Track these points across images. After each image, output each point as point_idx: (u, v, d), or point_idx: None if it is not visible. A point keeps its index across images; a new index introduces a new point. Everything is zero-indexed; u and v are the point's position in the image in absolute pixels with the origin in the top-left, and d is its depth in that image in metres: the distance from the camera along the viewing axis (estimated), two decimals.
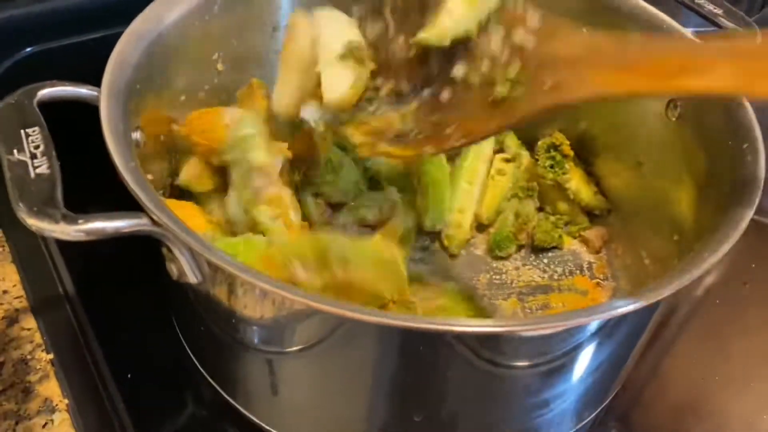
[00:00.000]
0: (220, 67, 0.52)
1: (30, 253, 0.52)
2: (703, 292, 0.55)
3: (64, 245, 0.51)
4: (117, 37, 0.70)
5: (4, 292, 0.50)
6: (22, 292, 0.50)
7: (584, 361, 0.38)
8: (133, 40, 0.43)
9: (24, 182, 0.32)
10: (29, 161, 0.33)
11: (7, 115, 0.35)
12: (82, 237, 0.32)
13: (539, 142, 0.58)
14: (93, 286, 0.50)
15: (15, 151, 0.33)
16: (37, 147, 0.34)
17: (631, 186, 0.55)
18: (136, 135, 0.42)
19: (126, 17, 0.45)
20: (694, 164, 0.46)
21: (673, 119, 0.48)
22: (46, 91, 0.37)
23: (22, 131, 0.34)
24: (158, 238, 0.34)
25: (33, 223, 0.31)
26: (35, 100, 0.37)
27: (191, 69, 0.49)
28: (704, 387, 0.49)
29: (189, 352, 0.46)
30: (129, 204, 0.35)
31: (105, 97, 0.38)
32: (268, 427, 0.43)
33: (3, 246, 0.53)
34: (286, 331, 0.36)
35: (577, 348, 0.37)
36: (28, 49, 0.68)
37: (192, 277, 0.35)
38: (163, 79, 0.46)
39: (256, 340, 0.38)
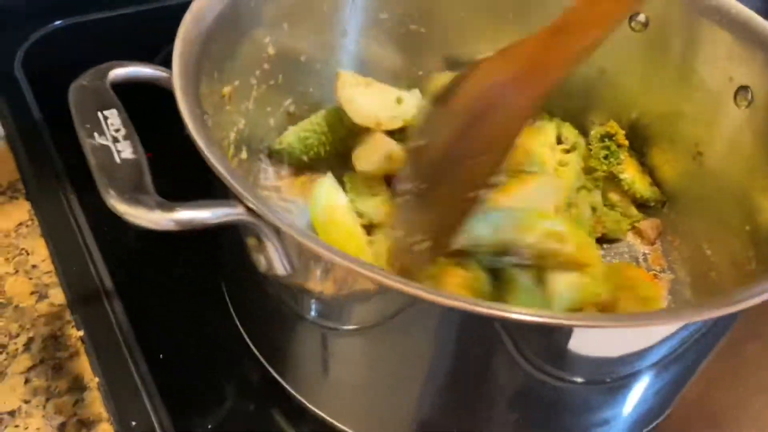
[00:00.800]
0: (270, 50, 0.50)
1: (60, 227, 0.50)
2: None
3: (94, 219, 0.49)
4: (146, 13, 0.68)
5: (33, 266, 0.48)
6: (51, 267, 0.48)
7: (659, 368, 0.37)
8: (196, 19, 0.40)
9: (110, 168, 0.30)
10: (112, 145, 0.31)
11: (82, 98, 0.33)
12: (173, 227, 0.30)
13: (592, 132, 0.57)
14: (124, 262, 0.49)
15: (95, 134, 0.31)
16: (117, 130, 0.32)
17: (690, 176, 0.53)
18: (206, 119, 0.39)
19: None
20: (760, 153, 0.45)
21: (744, 107, 0.47)
22: (119, 72, 0.35)
23: (99, 114, 0.32)
24: (251, 227, 0.32)
25: (126, 210, 0.29)
26: (107, 81, 0.34)
27: (243, 51, 0.47)
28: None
29: (240, 327, 0.44)
30: (207, 192, 0.33)
31: (179, 78, 0.36)
32: (316, 410, 0.41)
33: (33, 219, 0.51)
34: (356, 308, 0.35)
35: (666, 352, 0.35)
36: (58, 22, 0.66)
37: (281, 269, 0.33)
38: (221, 61, 0.44)
39: (318, 316, 0.36)
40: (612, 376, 0.36)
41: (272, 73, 0.52)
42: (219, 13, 0.43)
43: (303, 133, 0.52)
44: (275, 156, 0.55)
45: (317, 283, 0.33)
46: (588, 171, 0.56)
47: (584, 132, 0.59)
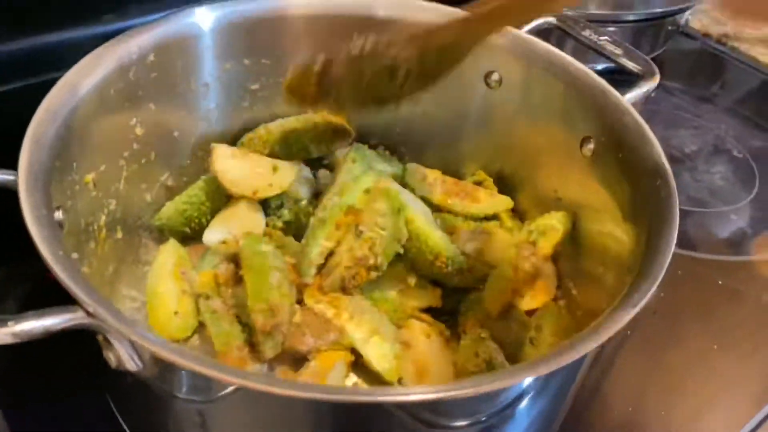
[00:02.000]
0: (139, 131, 0.51)
1: None
2: None
3: None
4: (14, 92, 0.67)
5: None
6: None
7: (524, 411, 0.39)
8: (48, 117, 0.41)
9: None
10: None
11: None
12: (12, 340, 0.30)
13: (467, 180, 0.60)
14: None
15: None
16: None
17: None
18: (59, 215, 0.40)
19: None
20: (611, 199, 0.49)
21: (588, 155, 0.51)
22: None
23: None
24: (96, 329, 0.32)
25: None
26: None
27: (108, 136, 0.48)
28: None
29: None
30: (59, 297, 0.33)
31: (24, 182, 0.36)
32: None
33: None
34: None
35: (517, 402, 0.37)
36: None
37: (132, 365, 0.34)
38: (81, 151, 0.44)
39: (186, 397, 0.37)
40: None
41: (144, 152, 0.52)
42: (75, 106, 0.43)
43: (182, 206, 0.53)
44: (156, 231, 0.55)
45: (168, 375, 0.34)
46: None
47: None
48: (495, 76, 0.56)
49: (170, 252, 0.51)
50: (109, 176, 0.49)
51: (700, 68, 0.91)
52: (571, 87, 0.51)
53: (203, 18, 0.51)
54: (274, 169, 0.55)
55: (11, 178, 0.37)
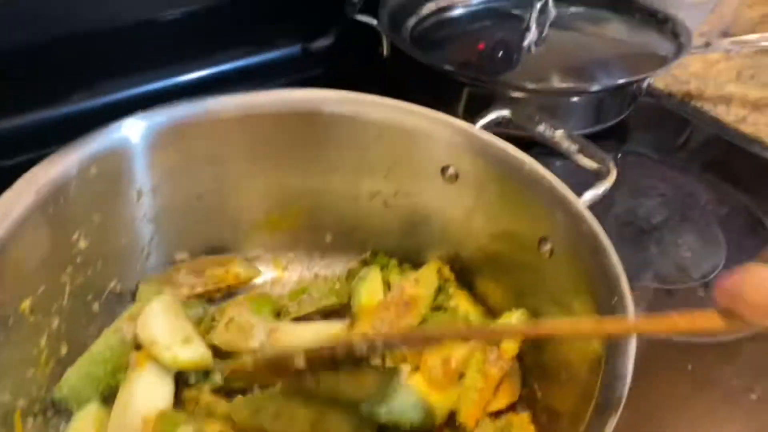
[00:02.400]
0: (82, 244, 0.49)
1: None
2: None
3: None
4: None
5: None
6: None
7: None
8: None
9: None
10: None
11: None
12: None
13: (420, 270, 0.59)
14: None
15: None
16: None
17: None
18: None
19: None
20: (572, 299, 0.47)
21: (546, 255, 0.50)
22: None
23: None
24: None
25: None
26: None
27: (47, 257, 0.46)
28: None
29: None
30: None
31: None
32: None
33: None
34: None
35: None
36: None
37: None
38: (16, 280, 0.43)
39: None
40: None
41: (89, 263, 0.50)
42: (6, 236, 0.41)
43: (84, 369, 0.49)
44: None
45: None
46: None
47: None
48: (451, 170, 0.55)
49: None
50: (50, 296, 0.47)
51: (665, 130, 0.91)
52: (525, 186, 0.50)
53: (134, 128, 0.50)
54: (186, 340, 0.50)
55: None
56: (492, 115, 0.55)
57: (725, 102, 0.94)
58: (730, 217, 0.77)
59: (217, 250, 0.60)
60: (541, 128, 0.53)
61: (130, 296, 0.56)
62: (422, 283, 0.56)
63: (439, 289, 0.57)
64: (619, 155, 0.86)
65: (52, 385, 0.47)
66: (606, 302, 0.42)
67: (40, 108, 0.75)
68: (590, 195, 0.49)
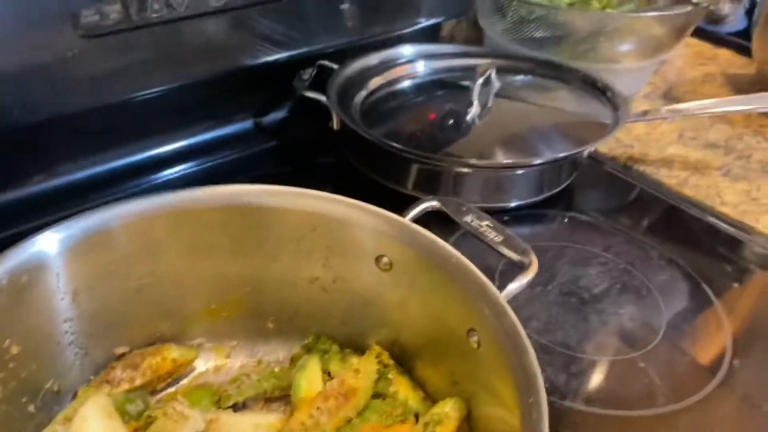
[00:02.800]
0: (14, 350, 0.50)
1: None
2: None
3: None
4: None
5: None
6: None
7: None
8: None
9: None
10: None
11: None
12: None
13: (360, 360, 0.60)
14: None
15: None
16: None
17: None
18: None
19: None
20: (501, 389, 0.48)
21: (474, 346, 0.51)
22: None
23: None
24: None
25: None
26: None
27: None
28: None
29: None
30: None
31: None
32: None
33: None
34: None
35: None
36: None
37: None
38: None
39: None
40: None
41: (22, 367, 0.51)
42: None
43: None
44: None
45: None
46: None
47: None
48: (385, 260, 0.56)
49: None
50: None
51: (608, 195, 0.94)
52: (453, 278, 0.51)
53: (48, 242, 0.51)
54: None
55: None
56: (421, 206, 0.57)
57: (667, 165, 0.98)
58: (670, 283, 0.79)
59: (157, 341, 0.61)
60: (468, 218, 0.55)
61: (71, 393, 0.56)
62: (362, 374, 0.57)
63: (379, 377, 0.57)
64: (565, 220, 0.88)
65: None
66: (525, 399, 0.43)
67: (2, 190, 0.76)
68: (513, 287, 0.50)
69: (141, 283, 0.56)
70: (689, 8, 1.03)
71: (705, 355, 0.70)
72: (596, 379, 0.67)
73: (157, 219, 0.54)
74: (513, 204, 0.86)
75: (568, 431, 0.61)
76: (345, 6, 0.92)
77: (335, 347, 0.62)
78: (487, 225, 0.54)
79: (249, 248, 0.59)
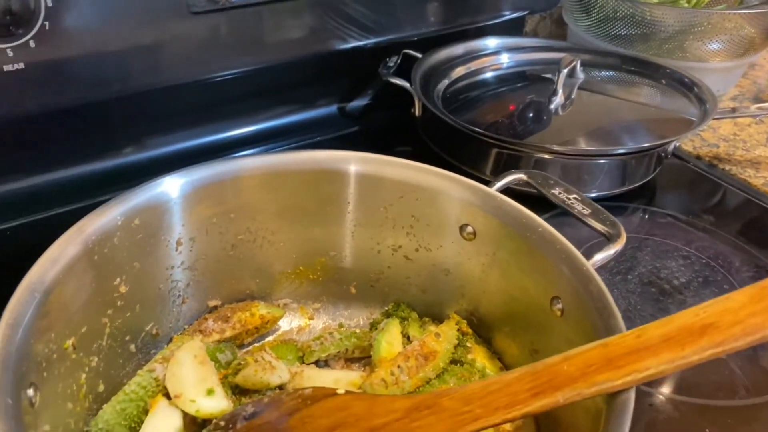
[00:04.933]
0: (123, 289, 0.53)
1: None
2: None
3: None
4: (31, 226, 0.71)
5: None
6: None
7: None
8: (27, 294, 0.43)
9: None
10: None
11: None
12: None
13: (441, 325, 0.61)
14: None
15: None
16: None
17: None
18: (30, 392, 0.41)
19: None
20: None
21: (558, 314, 0.52)
22: None
23: None
24: None
25: None
26: None
27: (91, 300, 0.50)
28: None
29: None
30: None
31: None
32: None
33: None
34: None
35: None
36: None
37: None
38: (61, 320, 0.47)
39: None
40: None
41: (128, 307, 0.54)
42: (56, 279, 0.46)
43: (120, 405, 0.53)
44: None
45: None
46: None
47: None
48: (469, 229, 0.58)
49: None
50: (91, 336, 0.51)
51: (692, 193, 0.92)
52: (537, 247, 0.52)
53: (172, 185, 0.55)
54: (209, 392, 0.52)
55: None
56: (509, 178, 0.58)
57: (755, 165, 0.95)
58: (753, 281, 0.77)
59: (247, 298, 0.64)
60: (556, 192, 0.56)
61: (166, 339, 0.59)
62: (443, 338, 0.58)
63: (458, 344, 0.59)
64: (646, 216, 0.87)
65: (89, 420, 0.51)
66: None
67: (93, 160, 0.82)
68: (600, 257, 0.51)
69: (237, 239, 0.60)
70: None
71: None
72: None
73: (259, 178, 0.57)
74: (593, 195, 0.86)
75: (646, 415, 0.61)
76: None
77: (414, 315, 0.63)
78: (575, 198, 0.55)
79: (336, 213, 0.62)
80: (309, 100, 0.98)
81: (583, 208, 0.54)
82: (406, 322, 0.62)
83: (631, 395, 0.41)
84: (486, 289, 0.58)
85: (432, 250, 0.60)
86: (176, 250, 0.56)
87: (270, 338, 0.64)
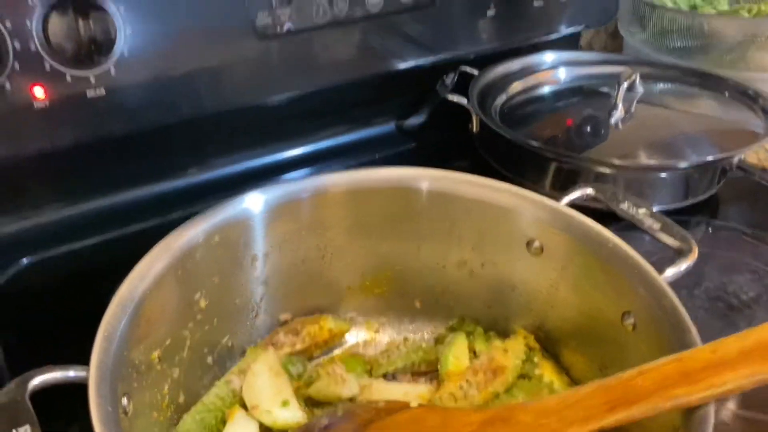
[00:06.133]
0: (202, 303, 0.56)
1: None
2: None
3: None
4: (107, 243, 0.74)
5: None
6: None
7: None
8: (119, 310, 0.46)
9: None
10: None
11: None
12: None
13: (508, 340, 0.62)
14: None
15: None
16: None
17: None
18: (125, 401, 0.44)
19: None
20: None
21: (629, 329, 0.52)
22: (38, 381, 0.40)
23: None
24: None
25: None
26: (27, 393, 0.39)
27: (174, 314, 0.52)
28: None
29: None
30: None
31: (94, 380, 0.40)
32: None
33: None
34: None
35: None
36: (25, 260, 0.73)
37: None
38: (149, 333, 0.49)
39: None
40: None
41: (207, 320, 0.57)
42: (145, 294, 0.48)
43: (199, 415, 0.54)
44: None
45: None
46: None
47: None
48: (536, 244, 0.58)
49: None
50: (174, 348, 0.53)
51: (757, 206, 0.91)
52: (608, 262, 0.53)
53: (255, 201, 0.57)
54: (284, 403, 0.55)
55: (83, 375, 0.41)
56: (576, 193, 0.59)
57: None
58: None
59: (316, 311, 0.65)
60: (624, 206, 0.56)
61: (240, 351, 0.61)
62: (511, 353, 0.59)
63: (526, 359, 0.59)
64: (710, 230, 0.86)
65: (170, 429, 0.53)
66: None
67: (164, 180, 0.85)
68: (672, 272, 0.51)
69: (309, 255, 0.62)
70: None
71: None
72: None
73: (335, 195, 0.59)
74: (655, 209, 0.85)
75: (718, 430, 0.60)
76: (491, 12, 0.95)
77: (479, 329, 0.64)
78: (644, 212, 0.55)
79: (403, 228, 0.63)
80: (367, 119, 1.01)
81: (654, 223, 0.54)
82: (471, 336, 0.63)
83: (711, 410, 0.41)
84: (554, 304, 0.59)
85: (498, 265, 0.61)
86: (252, 265, 0.58)
87: (338, 351, 0.66)
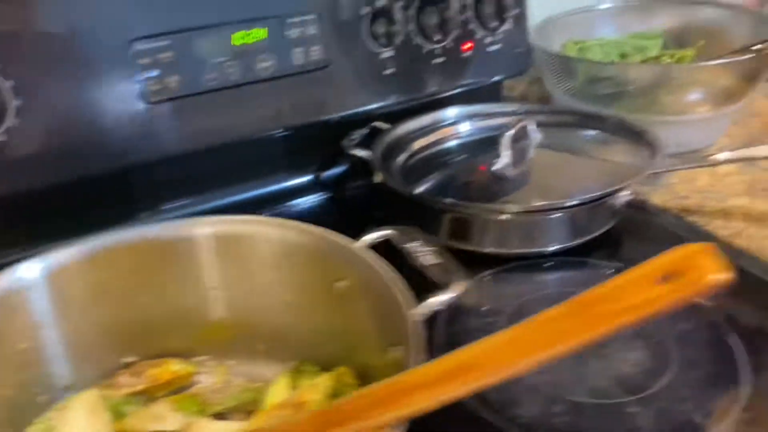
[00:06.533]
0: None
1: None
2: None
3: None
4: None
5: None
6: None
7: None
8: None
9: None
10: None
11: None
12: None
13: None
14: None
15: None
16: None
17: None
18: None
19: None
20: None
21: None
22: None
23: None
24: None
25: None
26: None
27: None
28: None
29: None
30: None
31: None
32: None
33: None
34: None
35: None
36: None
37: None
38: None
39: None
40: None
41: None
42: None
43: None
44: None
45: None
46: None
47: None
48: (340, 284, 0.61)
49: None
50: None
51: (651, 245, 0.90)
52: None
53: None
54: None
55: None
56: (375, 234, 0.62)
57: (725, 216, 0.92)
58: (690, 334, 0.74)
59: (165, 355, 0.69)
60: (412, 245, 0.59)
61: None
62: (318, 388, 0.61)
63: (335, 394, 0.61)
64: (606, 269, 0.86)
65: None
66: None
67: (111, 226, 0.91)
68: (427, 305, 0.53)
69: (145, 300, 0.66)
70: (751, 55, 0.98)
71: None
72: (575, 419, 0.65)
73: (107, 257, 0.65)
74: (550, 249, 0.86)
75: None
76: (388, 71, 1.00)
77: (311, 368, 0.66)
78: (430, 250, 0.57)
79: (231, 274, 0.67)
80: (287, 170, 1.06)
81: (433, 260, 0.56)
82: (300, 374, 0.65)
83: None
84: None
85: (313, 305, 0.64)
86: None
87: (186, 392, 0.69)
